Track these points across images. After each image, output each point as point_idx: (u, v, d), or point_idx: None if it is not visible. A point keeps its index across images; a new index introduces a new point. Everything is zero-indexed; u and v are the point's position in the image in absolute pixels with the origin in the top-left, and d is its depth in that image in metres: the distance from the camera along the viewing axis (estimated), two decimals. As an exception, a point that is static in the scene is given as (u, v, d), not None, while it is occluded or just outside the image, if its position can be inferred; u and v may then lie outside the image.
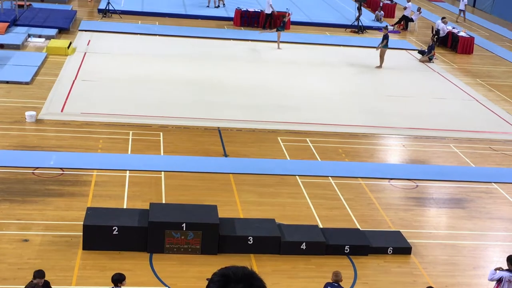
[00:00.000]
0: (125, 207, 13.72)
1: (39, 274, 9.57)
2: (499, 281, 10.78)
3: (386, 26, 27.39)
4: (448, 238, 13.82)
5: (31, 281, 9.60)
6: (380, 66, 26.09)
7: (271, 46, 27.98)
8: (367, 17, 35.06)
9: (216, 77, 23.14)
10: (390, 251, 12.86)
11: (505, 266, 10.88)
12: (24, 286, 9.79)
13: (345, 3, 38.68)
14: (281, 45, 27.78)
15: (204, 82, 22.46)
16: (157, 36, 28.09)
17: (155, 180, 15.09)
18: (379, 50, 26.07)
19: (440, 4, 43.86)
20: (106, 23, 29.49)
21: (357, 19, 32.27)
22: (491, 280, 10.91)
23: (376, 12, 35.40)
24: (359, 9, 33.58)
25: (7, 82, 20.54)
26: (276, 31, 27.74)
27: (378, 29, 33.35)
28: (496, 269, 10.88)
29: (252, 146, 17.54)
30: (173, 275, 11.64)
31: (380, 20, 34.56)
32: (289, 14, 29.36)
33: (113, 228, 12.03)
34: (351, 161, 17.17)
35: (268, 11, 30.71)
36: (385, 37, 25.85)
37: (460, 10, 38.43)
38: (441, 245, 13.49)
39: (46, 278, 9.73)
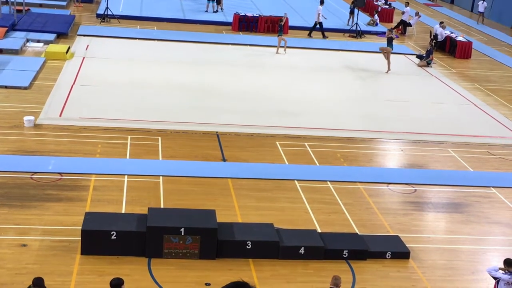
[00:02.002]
0: (123, 212, 13.70)
1: (38, 282, 9.51)
2: (497, 281, 10.86)
3: (391, 29, 27.49)
4: (446, 243, 13.82)
5: (29, 286, 9.57)
6: (388, 69, 26.15)
7: (269, 51, 28.03)
8: (364, 21, 35.10)
9: (215, 82, 23.16)
10: (388, 256, 12.85)
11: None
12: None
13: (343, 8, 38.73)
14: (280, 49, 27.80)
15: (203, 87, 22.49)
16: (156, 41, 28.13)
17: (154, 184, 15.09)
18: (386, 52, 26.13)
19: (438, 8, 43.97)
20: (104, 28, 29.54)
21: (356, 24, 32.34)
22: (489, 272, 10.98)
23: (374, 15, 35.42)
24: (351, 12, 33.82)
25: (6, 87, 20.55)
26: (278, 36, 27.78)
27: (377, 34, 33.43)
28: (500, 268, 10.92)
29: (251, 151, 17.55)
30: (172, 280, 11.63)
31: (375, 25, 34.61)
32: (286, 18, 29.38)
33: (112, 233, 12.01)
34: (350, 166, 17.18)
35: (317, 19, 31.02)
36: (390, 40, 25.98)
37: (480, 13, 38.78)
38: (440, 250, 13.49)
39: (44, 283, 9.70)
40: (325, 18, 31.70)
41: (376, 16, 35.22)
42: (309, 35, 31.42)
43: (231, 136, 18.46)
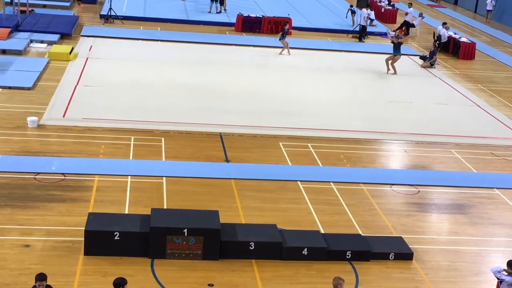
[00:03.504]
0: (126, 212, 13.72)
1: (40, 277, 9.54)
2: (500, 281, 10.83)
3: (398, 35, 27.44)
4: (450, 244, 13.80)
5: (34, 286, 9.58)
6: (394, 73, 26.15)
7: (272, 52, 28.03)
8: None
9: (218, 83, 23.18)
10: (391, 257, 12.84)
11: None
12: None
13: (345, 8, 38.69)
14: (284, 51, 27.80)
15: (206, 88, 22.50)
16: (159, 42, 28.17)
17: (157, 185, 15.10)
18: (392, 58, 26.12)
19: (442, 9, 43.93)
20: (108, 28, 29.57)
21: (359, 25, 32.33)
22: (493, 272, 10.94)
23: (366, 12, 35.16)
24: (353, 13, 33.95)
25: (9, 88, 20.59)
26: (280, 40, 27.76)
27: (380, 34, 33.39)
28: (504, 270, 10.88)
29: (254, 152, 17.55)
30: (175, 280, 11.63)
31: (372, 21, 34.58)
32: (289, 20, 29.33)
33: (115, 233, 12.03)
34: (353, 167, 17.17)
35: (363, 23, 31.37)
36: (398, 46, 25.88)
37: (488, 11, 38.92)
38: (443, 251, 13.47)
39: (47, 283, 9.70)
40: (371, 25, 31.89)
41: (366, 11, 34.71)
42: (360, 40, 31.44)
43: (234, 137, 18.47)
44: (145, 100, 20.77)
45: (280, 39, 27.67)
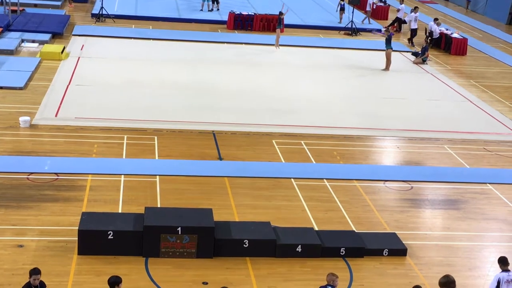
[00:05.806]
0: (120, 211, 13.70)
1: (35, 271, 9.49)
2: (498, 284, 10.66)
3: (387, 28, 27.51)
4: (443, 239, 13.84)
5: (28, 282, 9.56)
6: (387, 69, 26.19)
7: (265, 49, 28.03)
8: (359, 19, 35.08)
9: (210, 81, 23.16)
10: (385, 253, 12.87)
11: (499, 269, 10.80)
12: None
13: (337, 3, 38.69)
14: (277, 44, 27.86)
15: (198, 86, 22.48)
16: (151, 40, 28.11)
17: (150, 184, 15.08)
18: (385, 52, 26.20)
19: (433, 5, 44.01)
20: (99, 27, 29.50)
21: (351, 21, 32.34)
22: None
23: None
24: (342, 9, 34.11)
25: (1, 88, 20.51)
26: (277, 28, 27.86)
27: (371, 31, 33.44)
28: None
29: (247, 149, 17.55)
30: (169, 279, 11.62)
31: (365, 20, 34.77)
32: (284, 12, 29.27)
33: (109, 232, 12.01)
34: (346, 164, 17.19)
35: (413, 26, 31.48)
36: (389, 40, 25.95)
37: (467, 1, 39.50)
38: (437, 246, 13.51)
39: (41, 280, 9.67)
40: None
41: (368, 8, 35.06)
42: (412, 44, 31.53)
43: (227, 134, 18.46)
44: (138, 98, 20.74)
45: (277, 28, 27.76)
